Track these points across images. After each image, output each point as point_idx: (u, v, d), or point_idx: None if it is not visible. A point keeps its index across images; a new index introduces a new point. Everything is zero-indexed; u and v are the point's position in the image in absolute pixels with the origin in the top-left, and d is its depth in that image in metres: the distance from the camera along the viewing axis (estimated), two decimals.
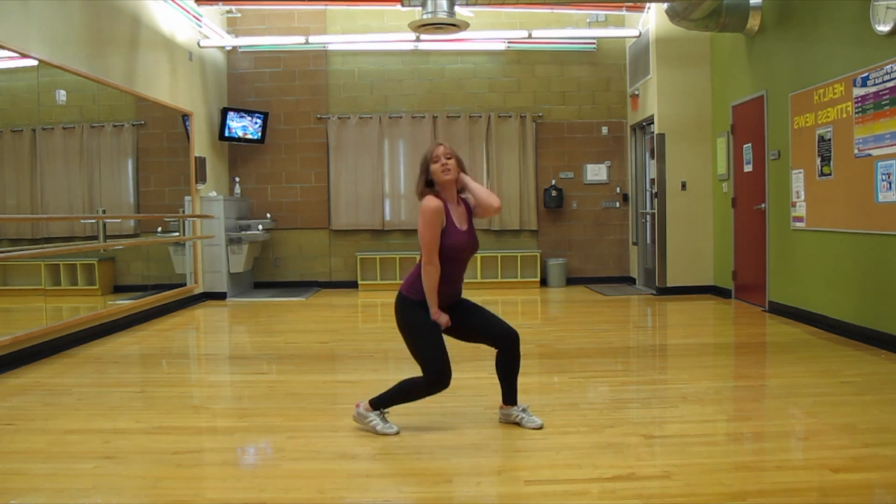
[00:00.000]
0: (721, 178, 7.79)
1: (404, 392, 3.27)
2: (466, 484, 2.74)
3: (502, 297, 8.22)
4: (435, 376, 3.17)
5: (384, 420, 3.26)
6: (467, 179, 3.28)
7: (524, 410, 3.34)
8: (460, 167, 3.24)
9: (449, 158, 3.20)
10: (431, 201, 3.15)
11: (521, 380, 4.11)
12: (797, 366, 4.55)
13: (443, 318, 3.18)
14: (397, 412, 3.60)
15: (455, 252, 3.21)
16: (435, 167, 3.20)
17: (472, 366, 4.23)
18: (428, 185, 3.22)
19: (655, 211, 8.24)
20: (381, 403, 3.28)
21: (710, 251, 8.12)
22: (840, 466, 2.75)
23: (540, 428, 3.25)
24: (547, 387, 4.20)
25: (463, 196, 3.34)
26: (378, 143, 9.27)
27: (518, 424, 3.32)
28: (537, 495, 2.58)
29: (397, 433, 3.22)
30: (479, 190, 3.30)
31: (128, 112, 6.83)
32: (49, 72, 5.34)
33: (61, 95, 5.63)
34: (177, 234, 7.74)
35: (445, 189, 3.22)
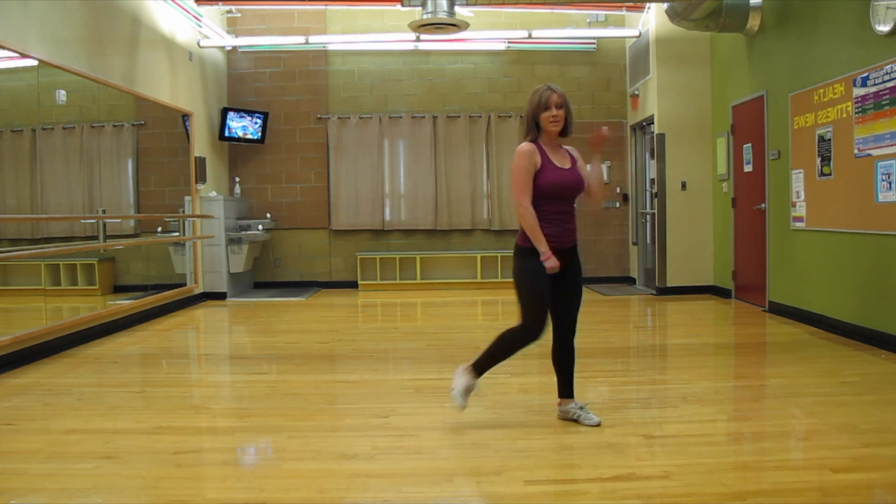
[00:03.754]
0: (721, 178, 7.79)
1: (504, 344, 3.28)
2: (466, 484, 2.74)
3: (502, 297, 8.22)
4: (529, 324, 3.19)
5: (465, 393, 3.28)
6: (596, 166, 3.34)
7: (581, 408, 3.34)
8: (566, 121, 3.22)
9: (560, 108, 3.18)
10: (524, 146, 3.19)
11: (521, 379, 4.11)
12: (797, 366, 4.55)
13: (552, 262, 3.13)
14: (400, 413, 3.60)
15: (556, 188, 3.19)
16: (545, 115, 3.17)
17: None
18: (535, 128, 3.21)
19: (655, 211, 8.24)
20: (483, 364, 3.31)
21: (710, 251, 8.12)
22: (840, 466, 2.75)
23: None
24: (547, 387, 4.19)
25: (570, 149, 3.34)
26: (378, 143, 9.28)
27: (575, 421, 3.32)
28: (537, 495, 2.58)
29: (463, 409, 3.30)
30: (595, 178, 3.33)
31: (128, 112, 6.82)
32: (49, 72, 5.34)
33: (61, 95, 5.63)
34: (177, 234, 7.74)
35: (548, 136, 3.21)
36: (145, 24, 6.96)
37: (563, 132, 3.26)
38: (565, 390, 3.38)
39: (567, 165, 3.26)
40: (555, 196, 3.20)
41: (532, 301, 3.20)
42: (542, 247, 3.14)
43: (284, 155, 9.35)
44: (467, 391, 3.31)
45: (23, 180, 5.51)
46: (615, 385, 4.19)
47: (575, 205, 3.32)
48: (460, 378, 3.32)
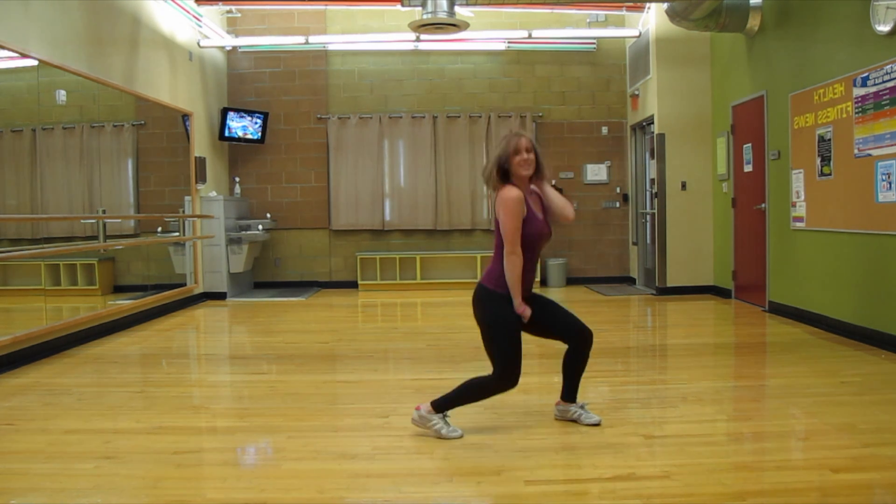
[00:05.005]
0: (721, 178, 7.79)
1: (471, 392, 3.22)
2: (466, 484, 2.74)
3: None
4: (508, 374, 3.13)
5: (447, 423, 3.19)
6: (547, 188, 3.27)
7: (582, 407, 3.35)
8: (538, 163, 3.19)
9: (530, 153, 3.16)
10: (512, 191, 3.10)
11: (521, 379, 4.10)
12: (797, 366, 4.55)
13: (527, 311, 3.14)
14: (400, 413, 3.60)
15: (535, 239, 3.18)
16: (517, 160, 3.14)
17: (472, 366, 4.23)
18: (503, 175, 3.16)
19: (655, 211, 8.24)
20: (444, 405, 3.20)
21: (710, 251, 8.12)
22: (840, 466, 2.75)
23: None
24: (547, 387, 4.19)
25: (532, 187, 3.30)
26: (378, 143, 9.28)
27: (575, 421, 3.33)
28: (537, 495, 2.58)
29: (461, 437, 3.16)
30: (556, 199, 3.27)
31: (128, 112, 6.82)
32: (49, 72, 5.34)
33: (61, 95, 5.63)
34: (177, 234, 7.74)
35: (520, 181, 3.19)
36: (145, 24, 6.96)
37: (535, 175, 3.22)
38: (569, 394, 3.38)
39: (541, 214, 3.24)
40: (532, 246, 3.18)
41: (507, 351, 3.12)
42: (518, 299, 3.13)
43: (284, 155, 9.35)
44: (445, 422, 3.19)
45: (23, 180, 5.51)
46: (615, 385, 4.20)
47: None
48: (430, 421, 3.19)
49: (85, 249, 6.18)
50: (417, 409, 3.24)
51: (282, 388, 4.26)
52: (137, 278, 7.24)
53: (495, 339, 3.14)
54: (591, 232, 9.37)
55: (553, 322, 3.31)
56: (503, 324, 3.13)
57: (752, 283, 7.12)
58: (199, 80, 8.33)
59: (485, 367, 3.73)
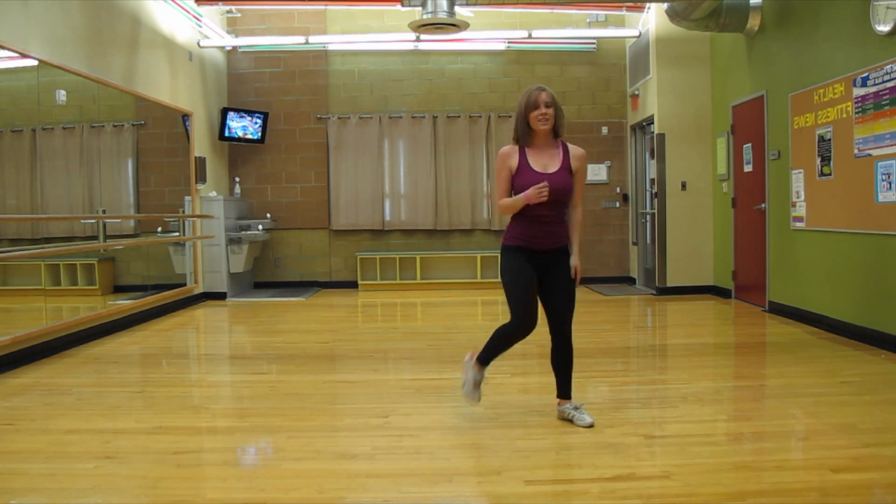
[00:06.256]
0: (721, 178, 7.79)
1: (497, 340, 3.36)
2: (466, 484, 2.74)
3: (502, 297, 8.21)
4: (517, 320, 3.25)
5: (475, 387, 3.37)
6: (579, 165, 3.29)
7: (576, 408, 3.35)
8: (558, 115, 3.22)
9: (549, 107, 3.18)
10: (505, 147, 3.29)
11: (521, 379, 4.11)
12: (797, 366, 4.55)
13: (533, 192, 3.12)
14: (400, 413, 3.60)
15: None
16: (534, 114, 3.19)
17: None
18: (526, 128, 3.23)
19: (655, 211, 8.24)
20: (484, 357, 3.37)
21: (710, 251, 8.12)
22: (840, 466, 2.75)
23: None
24: (547, 387, 4.19)
25: (563, 140, 3.32)
26: (378, 143, 9.28)
27: (570, 422, 3.33)
28: (537, 495, 2.58)
29: (475, 402, 3.40)
30: (580, 180, 3.32)
31: (128, 112, 6.83)
32: (49, 72, 5.34)
33: (61, 95, 5.63)
34: (177, 234, 7.74)
35: (538, 135, 3.22)
36: (145, 24, 6.96)
37: (554, 132, 3.25)
38: (561, 391, 3.41)
39: (552, 169, 3.23)
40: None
41: (512, 294, 3.27)
42: (521, 201, 3.19)
43: (284, 155, 9.35)
44: (476, 384, 3.38)
45: (23, 180, 5.51)
46: (615, 385, 4.19)
47: (563, 209, 3.29)
48: (468, 372, 3.40)
49: (85, 249, 6.18)
50: (469, 356, 3.42)
51: (282, 388, 4.26)
52: (137, 278, 7.24)
53: (505, 286, 3.30)
54: (591, 232, 9.37)
55: (546, 301, 3.33)
56: (508, 270, 3.28)
57: (752, 283, 7.12)
58: (199, 80, 8.33)
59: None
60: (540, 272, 3.28)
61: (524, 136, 3.25)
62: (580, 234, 3.39)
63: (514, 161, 3.24)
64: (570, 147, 3.32)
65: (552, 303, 3.31)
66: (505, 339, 3.35)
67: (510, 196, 3.27)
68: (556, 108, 3.22)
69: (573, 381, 3.41)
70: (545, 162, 3.24)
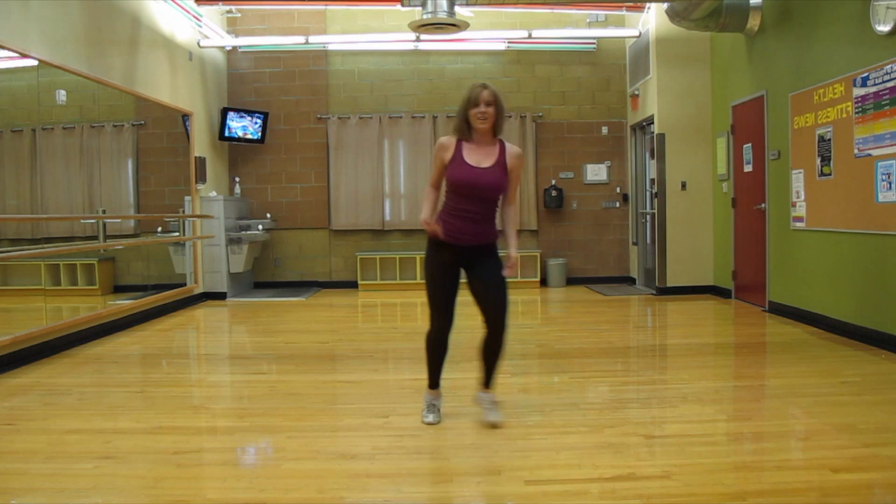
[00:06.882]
0: (721, 178, 7.79)
1: (429, 351, 3.44)
2: (466, 484, 2.74)
3: None
4: (431, 316, 3.34)
5: (429, 410, 3.42)
6: (515, 167, 3.29)
7: (493, 402, 3.37)
8: (498, 114, 3.21)
9: (489, 106, 3.18)
10: (443, 138, 3.30)
11: (521, 379, 4.11)
12: (797, 366, 4.55)
13: (430, 227, 3.21)
14: (400, 413, 3.60)
15: (458, 186, 3.22)
16: (473, 112, 3.19)
17: (472, 366, 4.23)
18: (465, 124, 3.23)
19: (655, 211, 8.24)
20: (431, 378, 3.46)
21: (710, 251, 8.12)
22: (840, 466, 2.75)
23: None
24: (547, 387, 4.20)
25: (502, 140, 3.32)
26: (378, 143, 9.28)
27: (481, 411, 3.39)
28: (537, 495, 2.58)
29: (427, 423, 3.36)
30: (514, 184, 3.33)
31: (128, 112, 6.83)
32: (49, 72, 5.34)
33: (61, 95, 5.63)
34: (177, 234, 7.74)
35: (477, 133, 3.23)
36: (145, 24, 6.96)
37: (494, 131, 3.26)
38: (484, 381, 3.42)
39: (486, 164, 3.23)
40: (460, 193, 3.23)
41: (428, 290, 3.34)
42: (424, 214, 3.29)
43: (284, 155, 9.35)
44: (429, 407, 3.42)
45: (23, 180, 5.51)
46: (615, 385, 4.19)
47: (492, 208, 3.28)
48: (424, 400, 3.51)
49: (85, 249, 6.18)
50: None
51: (282, 388, 4.26)
52: (137, 278, 7.24)
53: (426, 282, 3.35)
54: (591, 232, 9.38)
55: (477, 295, 3.32)
56: (426, 268, 3.34)
57: (752, 283, 7.12)
58: (199, 80, 8.33)
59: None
60: (466, 267, 3.30)
61: (463, 132, 3.25)
62: (516, 230, 3.42)
63: (449, 153, 3.24)
64: (508, 146, 3.32)
65: (485, 298, 3.29)
66: (434, 346, 3.39)
67: (439, 184, 3.33)
68: (497, 107, 3.20)
69: (494, 372, 3.42)
70: (480, 158, 3.24)
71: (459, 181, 3.21)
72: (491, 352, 3.34)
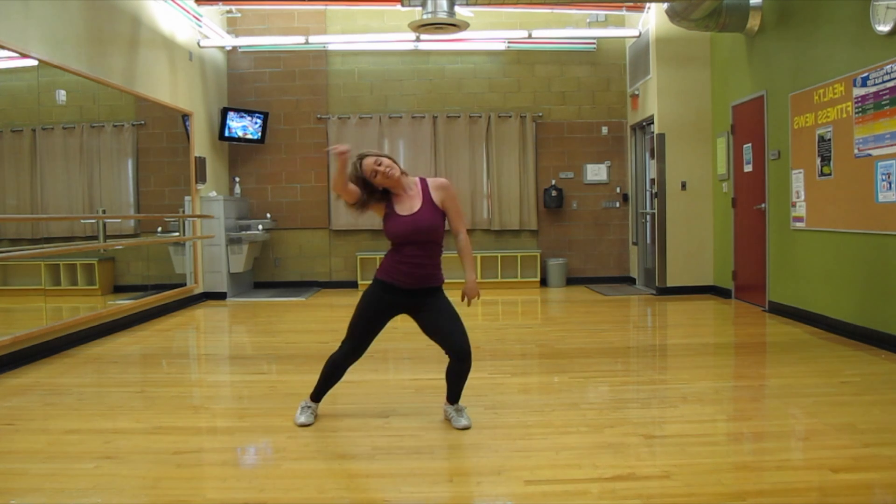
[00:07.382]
0: (721, 178, 7.79)
1: (329, 369, 3.43)
2: (466, 484, 2.74)
3: (502, 297, 8.22)
4: (348, 346, 3.35)
5: (302, 411, 3.43)
6: (443, 189, 3.33)
7: (458, 410, 3.35)
8: (394, 160, 3.26)
9: (379, 165, 3.20)
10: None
11: (521, 379, 4.11)
12: (797, 366, 4.55)
13: (338, 149, 3.12)
14: (398, 413, 3.59)
15: (400, 237, 3.26)
16: (379, 178, 3.20)
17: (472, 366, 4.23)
18: (383, 193, 3.26)
19: (655, 211, 8.24)
20: (317, 392, 3.46)
21: (710, 251, 8.12)
22: (840, 466, 2.75)
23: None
24: (547, 387, 4.20)
25: (421, 176, 3.38)
26: (378, 143, 9.26)
27: (449, 422, 3.36)
28: (537, 495, 2.58)
29: (302, 426, 3.35)
30: (452, 207, 3.36)
31: (128, 112, 6.83)
32: (49, 72, 5.34)
33: (61, 95, 5.63)
34: (177, 234, 7.74)
35: (394, 185, 3.25)
36: (145, 24, 6.96)
37: (404, 172, 3.29)
38: (449, 397, 3.38)
39: (416, 208, 3.26)
40: (403, 242, 3.25)
41: (356, 324, 3.34)
42: (334, 174, 3.25)
43: (284, 155, 9.35)
44: (302, 410, 3.45)
45: (23, 180, 5.51)
46: (615, 385, 4.19)
47: (436, 249, 3.31)
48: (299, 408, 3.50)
49: (85, 249, 6.18)
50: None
51: (282, 388, 4.26)
52: (137, 278, 7.25)
53: (354, 314, 3.35)
54: (591, 232, 9.38)
55: (434, 333, 3.32)
56: (362, 301, 3.32)
57: (752, 283, 7.12)
58: (199, 80, 8.33)
59: (484, 366, 3.72)
60: (411, 311, 3.31)
61: (382, 197, 3.28)
62: (471, 256, 3.42)
63: (382, 211, 3.31)
64: (430, 180, 3.34)
65: (441, 331, 3.28)
66: (332, 368, 3.40)
67: (353, 194, 3.27)
68: (386, 156, 3.25)
69: (462, 389, 3.38)
70: (410, 205, 3.27)
71: (400, 232, 3.25)
72: (457, 376, 3.33)
